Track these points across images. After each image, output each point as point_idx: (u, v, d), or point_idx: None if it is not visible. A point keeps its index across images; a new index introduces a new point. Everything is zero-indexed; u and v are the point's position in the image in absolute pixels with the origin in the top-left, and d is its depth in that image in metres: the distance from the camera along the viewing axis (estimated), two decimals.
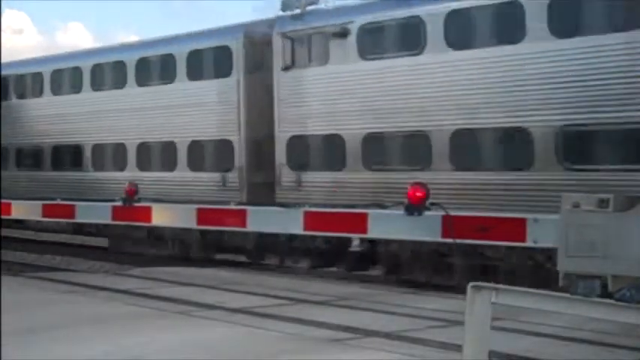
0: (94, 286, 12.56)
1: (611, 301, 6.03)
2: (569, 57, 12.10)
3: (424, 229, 12.23)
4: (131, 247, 18.06)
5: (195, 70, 17.57)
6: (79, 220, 17.81)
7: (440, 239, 12.19)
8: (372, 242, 13.65)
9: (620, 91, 11.62)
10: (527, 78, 12.49)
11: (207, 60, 17.47)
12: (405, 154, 14.29)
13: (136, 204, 16.14)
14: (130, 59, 19.16)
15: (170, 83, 18.03)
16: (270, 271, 15.24)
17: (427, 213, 12.23)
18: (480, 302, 6.27)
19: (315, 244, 14.65)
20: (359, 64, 14.58)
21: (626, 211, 6.73)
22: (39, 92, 21.79)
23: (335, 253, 14.60)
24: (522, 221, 11.31)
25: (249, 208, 14.81)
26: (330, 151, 15.14)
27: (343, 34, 14.70)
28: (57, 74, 21.30)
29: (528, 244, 11.33)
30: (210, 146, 17.30)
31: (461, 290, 6.81)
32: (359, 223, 13.08)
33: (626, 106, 11.59)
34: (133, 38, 50.46)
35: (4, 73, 22.66)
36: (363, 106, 14.54)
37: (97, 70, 20.11)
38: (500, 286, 6.45)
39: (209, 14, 64.37)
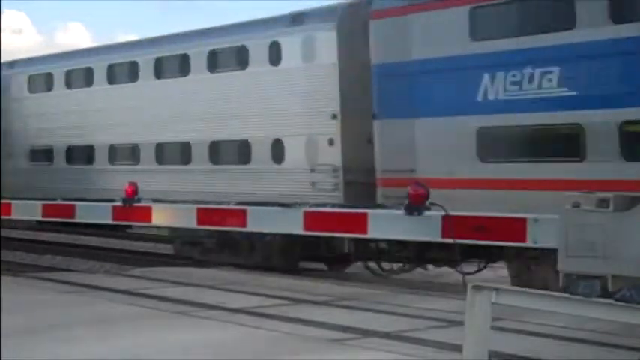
0: (94, 286, 12.57)
1: (611, 301, 6.03)
2: None
3: (424, 229, 12.21)
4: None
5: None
6: (78, 220, 17.78)
7: (440, 239, 12.17)
8: None
9: None
10: None
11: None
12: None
13: (136, 204, 16.12)
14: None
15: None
16: (270, 271, 15.23)
17: (427, 213, 12.22)
18: (480, 302, 6.28)
19: None
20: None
21: (626, 211, 6.73)
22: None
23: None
24: (522, 221, 11.29)
25: (249, 208, 14.79)
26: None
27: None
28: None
29: (528, 244, 11.31)
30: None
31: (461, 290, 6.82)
32: (359, 222, 13.05)
33: None
34: (132, 38, 50.50)
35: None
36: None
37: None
38: (501, 285, 6.47)
39: (209, 14, 64.48)
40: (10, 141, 23.18)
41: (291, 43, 16.53)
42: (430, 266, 14.80)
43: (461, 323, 6.58)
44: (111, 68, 20.61)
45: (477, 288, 6.33)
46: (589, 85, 12.26)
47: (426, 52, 13.99)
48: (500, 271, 14.01)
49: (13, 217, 18.67)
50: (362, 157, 14.90)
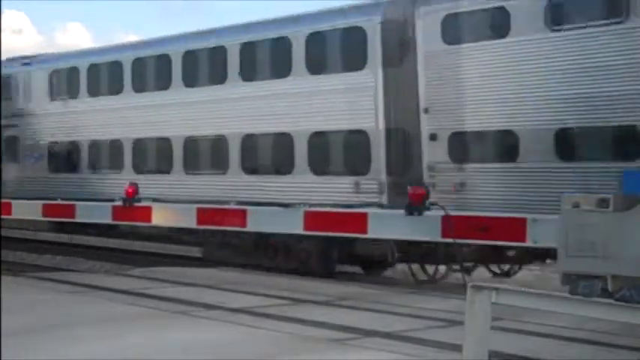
0: (94, 286, 12.56)
1: (611, 301, 6.04)
2: None
3: (424, 229, 12.22)
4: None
5: None
6: (79, 219, 17.79)
7: (440, 239, 12.18)
8: None
9: None
10: None
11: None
12: None
13: (136, 204, 16.13)
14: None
15: None
16: (270, 271, 15.22)
17: (427, 213, 12.23)
18: (480, 302, 6.28)
19: None
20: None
21: (626, 211, 6.73)
22: None
23: None
24: (522, 221, 11.30)
25: (249, 207, 14.78)
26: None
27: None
28: None
29: (528, 244, 11.33)
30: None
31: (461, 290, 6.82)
32: (359, 222, 13.07)
33: None
34: (132, 38, 50.49)
35: None
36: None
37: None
38: (501, 285, 6.47)
39: (209, 14, 64.48)
40: None
41: None
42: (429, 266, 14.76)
43: (461, 323, 6.58)
44: None
45: (477, 288, 6.33)
46: None
47: None
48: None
49: (13, 216, 18.70)
50: None
